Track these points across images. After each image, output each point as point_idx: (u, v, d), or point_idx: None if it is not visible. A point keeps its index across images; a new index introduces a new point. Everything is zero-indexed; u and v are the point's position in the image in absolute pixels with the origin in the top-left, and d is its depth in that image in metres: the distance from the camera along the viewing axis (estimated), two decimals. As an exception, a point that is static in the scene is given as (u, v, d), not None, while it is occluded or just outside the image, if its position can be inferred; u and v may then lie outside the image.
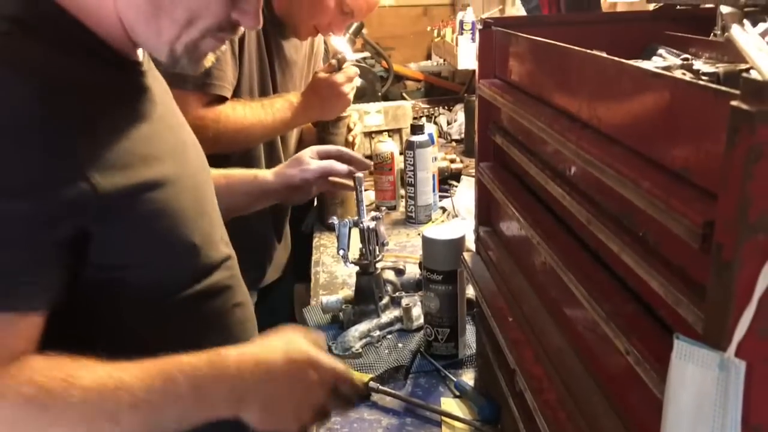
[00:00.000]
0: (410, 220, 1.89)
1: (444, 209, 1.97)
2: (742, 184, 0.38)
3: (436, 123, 2.86)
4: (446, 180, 2.14)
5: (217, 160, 1.19)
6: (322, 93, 1.59)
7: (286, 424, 0.84)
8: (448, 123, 2.85)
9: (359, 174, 1.30)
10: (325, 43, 2.00)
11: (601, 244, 0.63)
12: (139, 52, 0.88)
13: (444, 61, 3.34)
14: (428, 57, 3.81)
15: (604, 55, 0.68)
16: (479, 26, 1.00)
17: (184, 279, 0.89)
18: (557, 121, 0.70)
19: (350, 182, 1.35)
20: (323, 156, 1.39)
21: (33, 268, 0.71)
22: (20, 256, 0.70)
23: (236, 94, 1.56)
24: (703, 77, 0.77)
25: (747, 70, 0.72)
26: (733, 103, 0.39)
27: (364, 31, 3.24)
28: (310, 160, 1.36)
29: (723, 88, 0.42)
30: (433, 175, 1.90)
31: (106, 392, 0.71)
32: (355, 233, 1.36)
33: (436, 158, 1.96)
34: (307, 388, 0.85)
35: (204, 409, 0.78)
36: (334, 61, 1.62)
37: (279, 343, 0.86)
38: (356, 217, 1.33)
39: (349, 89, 1.62)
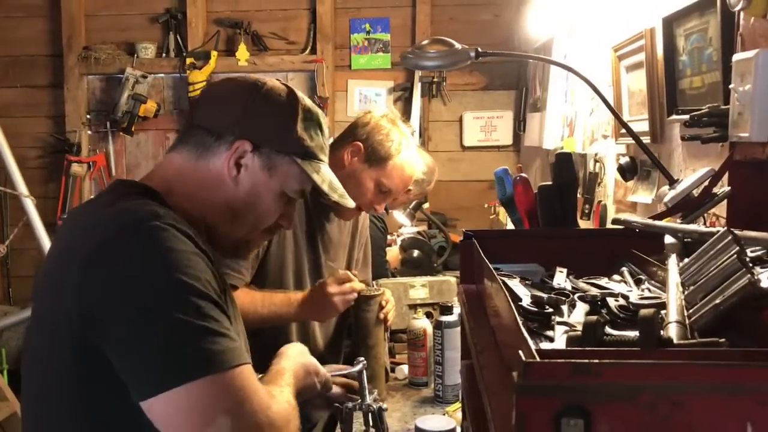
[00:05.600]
0: (438, 399, 1.92)
1: (475, 389, 1.99)
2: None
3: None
4: (483, 358, 2.17)
5: None
6: (314, 298, 1.77)
7: None
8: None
9: (361, 357, 1.38)
10: (374, 213, 2.18)
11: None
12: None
13: (503, 235, 3.48)
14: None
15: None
16: (460, 237, 1.12)
17: None
18: (483, 346, 0.79)
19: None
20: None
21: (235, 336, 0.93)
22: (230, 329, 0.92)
23: (265, 276, 1.78)
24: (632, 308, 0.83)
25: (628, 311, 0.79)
26: (513, 373, 0.47)
27: (426, 205, 3.47)
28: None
29: (530, 345, 0.50)
30: (463, 355, 1.95)
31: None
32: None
33: (466, 338, 2.02)
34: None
35: None
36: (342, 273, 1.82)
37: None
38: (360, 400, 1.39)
39: (339, 300, 1.77)
